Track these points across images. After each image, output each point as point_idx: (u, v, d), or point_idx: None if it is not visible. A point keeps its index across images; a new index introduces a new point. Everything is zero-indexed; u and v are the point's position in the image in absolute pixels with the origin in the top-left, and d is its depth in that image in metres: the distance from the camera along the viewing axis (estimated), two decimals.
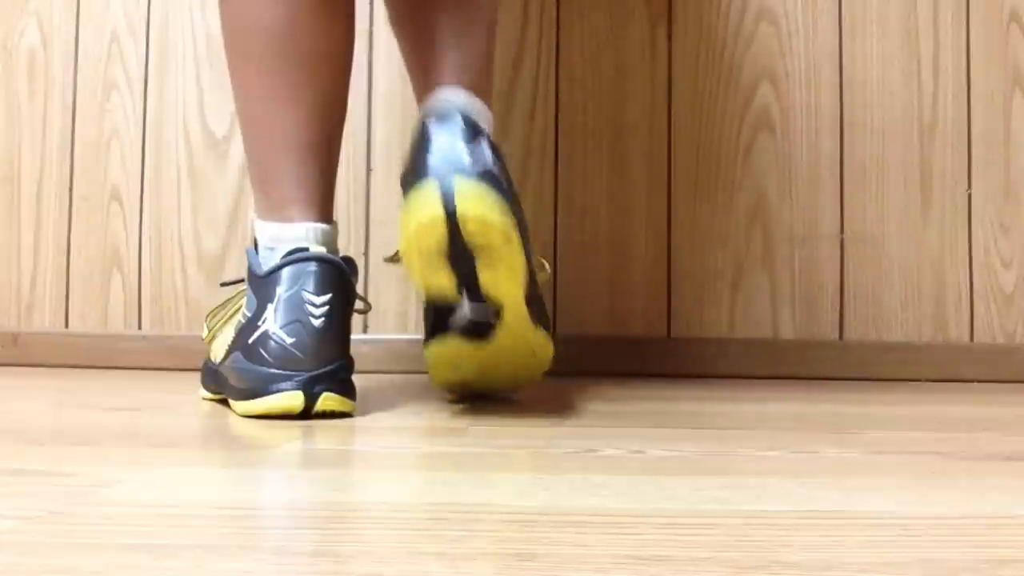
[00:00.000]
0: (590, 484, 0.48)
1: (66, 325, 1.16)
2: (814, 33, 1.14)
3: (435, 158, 0.66)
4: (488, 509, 0.42)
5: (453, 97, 0.71)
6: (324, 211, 0.77)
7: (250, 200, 1.15)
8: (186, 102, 1.17)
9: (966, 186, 1.13)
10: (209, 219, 1.16)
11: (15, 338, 1.15)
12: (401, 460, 0.55)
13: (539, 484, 0.47)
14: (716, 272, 1.14)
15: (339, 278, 0.71)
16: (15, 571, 0.32)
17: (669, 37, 1.15)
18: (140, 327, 1.16)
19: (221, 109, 1.16)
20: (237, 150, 1.16)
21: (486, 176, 0.66)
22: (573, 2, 1.15)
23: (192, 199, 1.16)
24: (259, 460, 0.54)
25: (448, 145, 0.66)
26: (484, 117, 0.72)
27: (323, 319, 0.69)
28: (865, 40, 1.14)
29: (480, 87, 0.78)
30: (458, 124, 0.67)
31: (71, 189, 1.17)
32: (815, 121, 1.14)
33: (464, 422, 0.71)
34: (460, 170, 0.65)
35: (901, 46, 1.14)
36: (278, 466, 0.52)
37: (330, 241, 0.75)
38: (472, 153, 0.66)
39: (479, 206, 0.65)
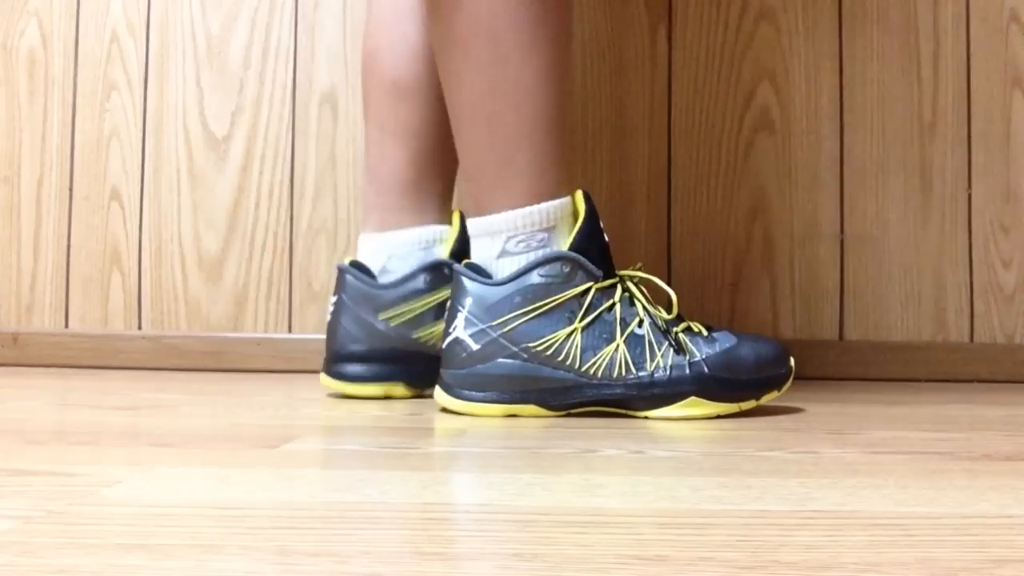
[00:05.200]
0: (590, 484, 0.48)
1: (66, 325, 1.16)
2: (814, 33, 1.15)
3: None
4: (488, 509, 0.42)
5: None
6: None
7: (250, 200, 1.16)
8: (186, 102, 1.17)
9: (966, 186, 1.14)
10: (209, 219, 1.16)
11: (15, 338, 1.15)
12: (401, 460, 0.55)
13: (539, 484, 0.47)
14: (716, 272, 1.14)
15: None
16: (15, 571, 0.32)
17: (669, 37, 1.15)
18: (140, 327, 1.16)
19: (221, 109, 1.16)
20: (237, 150, 1.16)
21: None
22: (573, 2, 1.15)
23: (192, 199, 1.16)
24: (259, 460, 0.54)
25: None
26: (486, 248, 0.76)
27: None
28: (865, 40, 1.14)
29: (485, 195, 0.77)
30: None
31: (71, 189, 1.17)
32: (815, 121, 1.14)
33: (464, 422, 0.72)
34: None
35: (901, 46, 1.14)
36: (278, 466, 0.52)
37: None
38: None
39: None
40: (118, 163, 1.17)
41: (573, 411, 0.75)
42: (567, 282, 0.74)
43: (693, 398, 0.73)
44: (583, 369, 0.73)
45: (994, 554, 0.36)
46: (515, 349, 0.73)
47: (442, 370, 0.76)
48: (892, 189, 1.14)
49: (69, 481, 0.47)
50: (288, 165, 1.16)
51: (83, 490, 0.45)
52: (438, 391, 0.76)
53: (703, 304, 1.13)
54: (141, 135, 1.17)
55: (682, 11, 1.15)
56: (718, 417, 0.73)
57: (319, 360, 0.94)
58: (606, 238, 0.76)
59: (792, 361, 0.77)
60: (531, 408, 0.74)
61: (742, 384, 0.74)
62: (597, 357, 0.73)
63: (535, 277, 0.74)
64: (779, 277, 1.13)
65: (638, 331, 0.74)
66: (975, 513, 0.42)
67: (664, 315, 0.75)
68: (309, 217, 1.15)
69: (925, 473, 0.52)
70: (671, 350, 0.74)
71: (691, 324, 0.76)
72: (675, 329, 0.75)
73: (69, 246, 1.17)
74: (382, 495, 0.45)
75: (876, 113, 1.14)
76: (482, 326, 0.74)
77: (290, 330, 1.15)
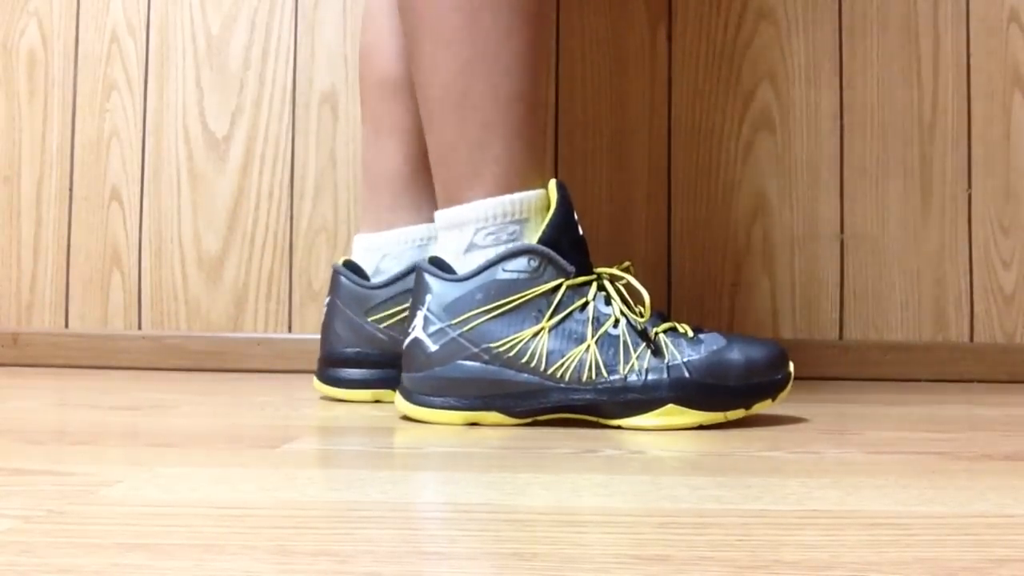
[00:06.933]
0: (590, 484, 0.48)
1: (66, 325, 1.16)
2: (814, 33, 1.15)
3: None
4: (488, 509, 0.42)
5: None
6: None
7: (250, 200, 1.16)
8: (186, 102, 1.17)
9: (966, 186, 1.14)
10: (209, 219, 1.16)
11: (15, 338, 1.15)
12: (401, 460, 0.55)
13: (539, 484, 0.47)
14: (716, 272, 1.14)
15: None
16: (15, 571, 0.32)
17: (669, 37, 1.15)
18: (140, 327, 1.16)
19: (221, 109, 1.16)
20: (237, 150, 1.16)
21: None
22: (573, 2, 1.15)
23: (192, 199, 1.16)
24: (259, 460, 0.54)
25: None
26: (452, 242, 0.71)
27: None
28: (865, 40, 1.14)
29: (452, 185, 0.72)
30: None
31: (71, 189, 1.17)
32: (815, 121, 1.14)
33: (464, 422, 0.71)
34: None
35: (901, 46, 1.14)
36: (278, 466, 0.52)
37: None
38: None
39: None
40: (118, 163, 1.17)
41: (539, 418, 0.69)
42: (535, 278, 0.68)
43: (671, 406, 0.67)
44: (549, 372, 0.68)
45: (994, 554, 0.36)
46: (476, 350, 0.68)
47: (403, 374, 0.72)
48: (892, 189, 1.14)
49: (69, 481, 0.47)
50: (288, 165, 1.16)
51: (83, 490, 0.45)
52: (397, 397, 0.72)
53: (703, 304, 1.13)
54: (141, 135, 1.17)
55: (682, 11, 1.15)
56: (701, 428, 0.67)
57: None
58: (580, 231, 0.71)
59: (791, 366, 0.71)
60: (493, 415, 0.69)
61: (729, 391, 0.68)
62: (565, 359, 0.68)
63: (500, 272, 0.68)
64: (779, 277, 1.14)
65: (612, 331, 0.68)
66: (975, 513, 0.42)
67: (644, 316, 0.70)
68: (309, 217, 1.15)
69: (925, 473, 0.52)
70: (648, 352, 0.68)
71: (676, 325, 0.71)
72: (655, 329, 0.69)
73: (69, 246, 1.17)
74: (382, 495, 0.45)
75: (876, 113, 1.14)
76: (441, 325, 0.69)
77: (290, 330, 1.15)
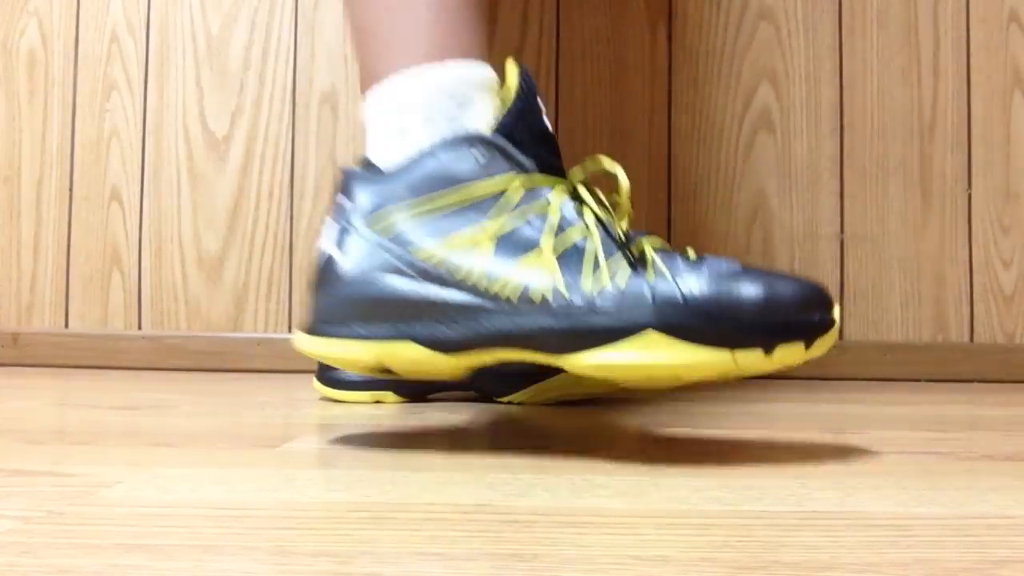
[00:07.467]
0: (590, 484, 0.48)
1: (66, 325, 1.16)
2: (814, 33, 1.14)
3: None
4: (488, 509, 0.42)
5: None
6: None
7: (250, 200, 1.16)
8: (186, 102, 1.17)
9: (966, 186, 1.14)
10: (209, 219, 1.16)
11: (15, 338, 1.15)
12: (401, 460, 0.55)
13: (539, 484, 0.47)
14: None
15: None
16: (15, 571, 0.32)
17: (669, 37, 1.15)
18: (140, 327, 1.16)
19: (221, 109, 1.16)
20: (237, 150, 1.16)
21: None
22: (573, 2, 1.15)
23: (192, 199, 1.16)
24: (259, 460, 0.54)
25: None
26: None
27: None
28: (865, 40, 1.14)
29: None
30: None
31: (71, 189, 1.17)
32: (815, 121, 1.14)
33: (464, 422, 0.72)
34: None
35: (901, 46, 1.14)
36: (278, 466, 0.52)
37: None
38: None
39: None
40: (118, 163, 1.17)
41: (470, 353, 0.52)
42: (481, 174, 0.53)
43: (652, 332, 0.48)
44: (490, 289, 0.51)
45: (994, 555, 0.36)
46: (396, 260, 0.53)
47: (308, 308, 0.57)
48: (892, 189, 1.14)
49: (69, 481, 0.47)
50: (288, 165, 1.16)
51: (83, 490, 0.45)
52: (296, 333, 0.57)
53: None
54: (141, 135, 1.17)
55: (682, 11, 1.15)
56: (698, 387, 0.56)
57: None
58: (548, 125, 0.57)
59: (836, 311, 0.51)
60: (410, 348, 0.52)
61: (739, 324, 0.49)
62: (512, 273, 0.51)
63: (434, 163, 0.53)
64: None
65: (580, 243, 0.52)
66: (975, 514, 0.42)
67: (621, 217, 0.54)
68: (309, 217, 1.15)
69: (925, 473, 0.52)
70: (626, 266, 0.51)
71: (672, 247, 0.56)
72: (644, 242, 0.53)
73: (69, 246, 1.17)
74: (382, 495, 0.45)
75: (876, 113, 1.14)
76: (356, 232, 0.54)
77: (290, 330, 1.15)
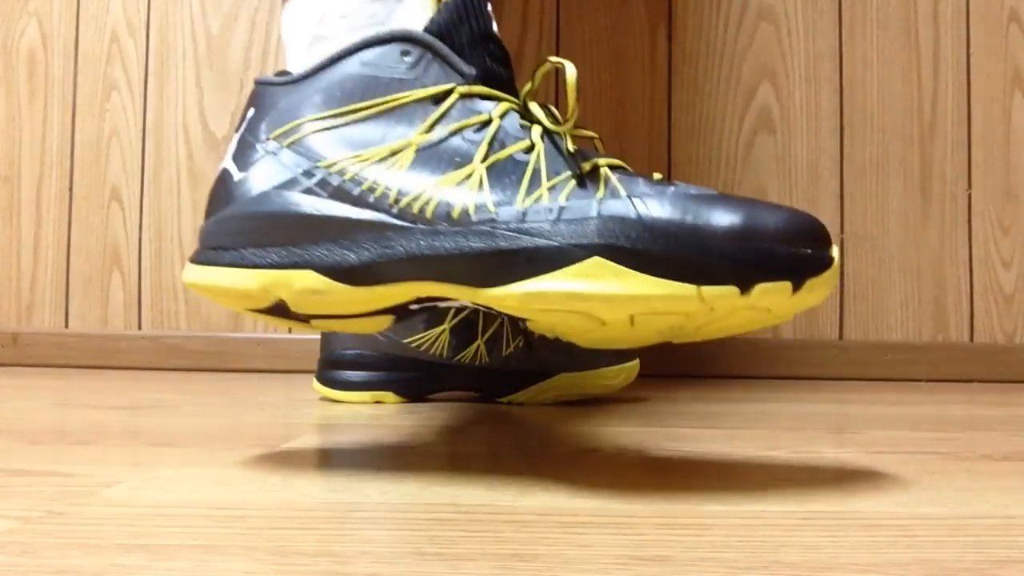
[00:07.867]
0: (590, 484, 0.48)
1: (66, 325, 1.16)
2: (814, 33, 1.14)
3: None
4: (488, 509, 0.42)
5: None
6: None
7: None
8: (186, 102, 1.17)
9: (966, 186, 1.13)
10: None
11: (15, 338, 1.15)
12: (401, 459, 0.55)
13: (539, 484, 0.47)
14: None
15: None
16: (15, 571, 0.32)
17: (669, 37, 1.15)
18: (140, 327, 1.16)
19: (221, 109, 1.16)
20: None
21: None
22: (573, 3, 1.15)
23: (192, 199, 1.16)
24: (259, 460, 0.54)
25: None
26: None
27: None
28: (865, 40, 1.14)
29: None
30: None
31: (71, 189, 1.17)
32: (815, 121, 1.14)
33: (464, 422, 0.72)
34: None
35: (901, 46, 1.14)
36: (278, 466, 0.52)
37: None
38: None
39: None
40: (118, 163, 1.17)
41: (379, 287, 0.44)
42: (412, 78, 0.46)
43: (597, 259, 0.40)
44: (402, 206, 0.43)
45: (994, 555, 0.36)
46: (298, 175, 0.45)
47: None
48: (892, 189, 1.14)
49: (69, 481, 0.47)
50: None
51: (83, 490, 0.45)
52: (187, 266, 0.48)
53: None
54: (141, 135, 1.17)
55: (682, 11, 1.15)
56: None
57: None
58: (495, 28, 0.49)
59: (834, 250, 0.42)
60: (307, 276, 0.44)
61: (708, 251, 0.40)
62: (430, 190, 0.44)
63: (353, 66, 0.47)
64: None
65: (520, 157, 0.45)
66: (975, 514, 0.42)
67: (566, 127, 0.46)
68: None
69: (925, 473, 0.52)
70: (572, 183, 0.43)
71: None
72: (595, 159, 0.45)
73: (69, 246, 1.17)
74: (382, 495, 0.45)
75: (876, 113, 1.14)
76: (256, 144, 0.46)
77: (290, 330, 1.15)
